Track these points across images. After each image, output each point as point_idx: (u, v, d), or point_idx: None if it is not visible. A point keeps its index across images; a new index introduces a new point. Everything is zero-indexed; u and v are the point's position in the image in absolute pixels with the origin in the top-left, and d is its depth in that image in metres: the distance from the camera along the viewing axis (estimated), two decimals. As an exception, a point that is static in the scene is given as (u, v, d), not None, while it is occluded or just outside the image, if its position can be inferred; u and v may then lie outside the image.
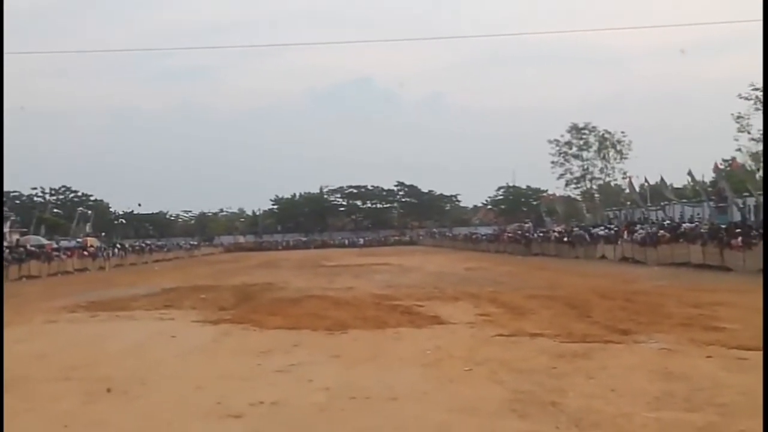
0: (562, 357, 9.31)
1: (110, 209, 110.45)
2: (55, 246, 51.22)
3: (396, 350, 10.46)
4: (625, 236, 37.58)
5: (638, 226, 39.34)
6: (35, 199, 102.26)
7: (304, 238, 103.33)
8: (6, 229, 62.69)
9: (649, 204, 48.34)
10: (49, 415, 7.02)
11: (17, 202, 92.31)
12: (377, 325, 13.18)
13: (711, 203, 39.00)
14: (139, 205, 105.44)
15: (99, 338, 13.17)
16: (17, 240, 53.21)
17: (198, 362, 10.21)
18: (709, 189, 44.01)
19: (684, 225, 34.55)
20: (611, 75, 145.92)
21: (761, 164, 42.03)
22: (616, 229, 42.36)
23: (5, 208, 70.73)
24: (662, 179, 47.10)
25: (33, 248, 44.97)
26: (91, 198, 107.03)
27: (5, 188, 79.77)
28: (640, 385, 7.46)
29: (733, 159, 46.06)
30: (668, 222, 38.77)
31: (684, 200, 47.49)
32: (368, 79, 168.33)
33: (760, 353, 8.80)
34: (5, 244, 44.75)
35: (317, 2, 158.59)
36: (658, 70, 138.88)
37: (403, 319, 13.85)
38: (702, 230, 31.13)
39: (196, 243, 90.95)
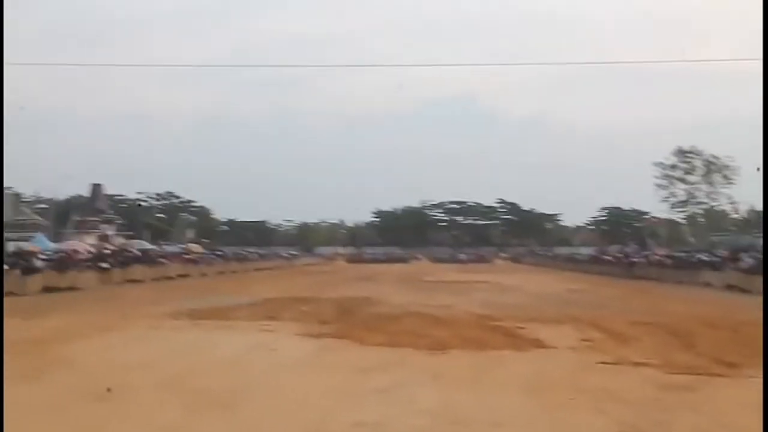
0: (667, 389, 9.24)
1: (212, 216, 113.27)
2: (159, 251, 52.90)
3: (497, 374, 10.53)
4: (731, 263, 36.48)
5: (744, 254, 38.11)
6: (141, 203, 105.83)
7: (403, 252, 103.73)
8: (111, 233, 65.47)
9: (755, 231, 46.80)
10: (149, 425, 7.33)
11: (123, 205, 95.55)
12: (478, 346, 13.24)
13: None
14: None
15: (201, 348, 13.57)
16: (123, 244, 55.29)
17: (299, 377, 10.40)
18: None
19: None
20: (722, 96, 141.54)
21: None
22: (721, 255, 41.14)
23: (111, 212, 73.81)
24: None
25: (138, 252, 46.62)
26: (195, 204, 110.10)
27: (112, 192, 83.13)
28: (748, 423, 7.36)
29: None
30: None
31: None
32: (472, 96, 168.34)
33: None
34: (111, 247, 46.62)
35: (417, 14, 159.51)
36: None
37: (504, 341, 13.86)
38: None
39: (296, 253, 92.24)
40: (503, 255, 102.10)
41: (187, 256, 53.52)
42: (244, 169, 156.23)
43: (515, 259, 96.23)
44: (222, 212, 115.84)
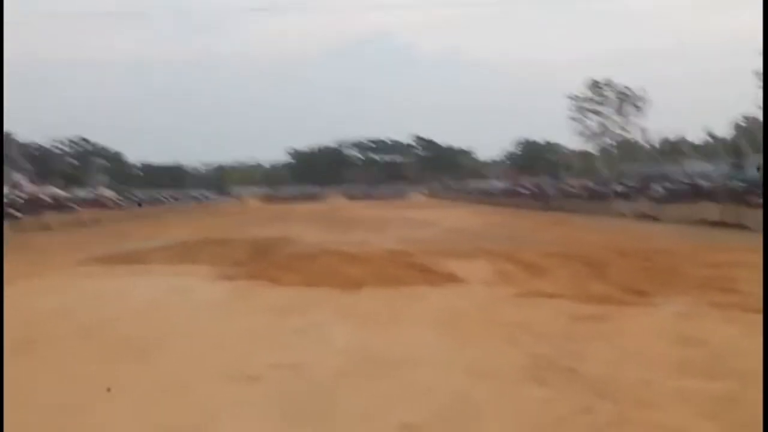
0: (580, 319, 9.28)
1: (126, 161, 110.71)
2: (72, 197, 51.44)
3: (413, 310, 10.46)
4: (643, 193, 37.40)
5: (656, 183, 39.10)
6: (53, 150, 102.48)
7: (319, 191, 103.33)
8: (23, 181, 63.14)
9: (667, 161, 48.03)
10: (67, 375, 7.06)
11: (35, 153, 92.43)
12: (393, 283, 13.14)
13: (729, 160, 38.67)
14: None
15: (116, 294, 13.22)
16: (35, 191, 53.49)
17: (216, 320, 10.23)
18: (728, 146, 43.61)
19: (701, 182, 34.29)
20: (633, 28, 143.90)
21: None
22: (633, 185, 42.12)
23: (22, 159, 71.20)
24: (680, 136, 46.74)
25: (50, 200, 45.18)
26: (108, 149, 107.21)
27: (22, 139, 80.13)
28: (659, 350, 7.43)
29: (753, 117, 45.57)
30: (686, 179, 38.50)
31: (702, 157, 47.11)
32: (387, 34, 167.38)
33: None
34: (23, 195, 44.99)
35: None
36: (679, 23, 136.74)
37: (418, 277, 13.80)
38: (719, 188, 30.89)
39: (211, 195, 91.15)
40: (419, 191, 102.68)
41: (100, 202, 52.14)
42: (158, 113, 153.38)
43: (432, 195, 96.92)
44: (136, 156, 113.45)
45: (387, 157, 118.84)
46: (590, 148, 73.06)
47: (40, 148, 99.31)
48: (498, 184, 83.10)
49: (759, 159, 35.28)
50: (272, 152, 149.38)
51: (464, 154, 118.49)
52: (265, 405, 6.05)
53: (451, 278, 13.57)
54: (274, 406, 5.99)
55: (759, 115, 45.86)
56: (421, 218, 38.79)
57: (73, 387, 6.68)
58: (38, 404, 6.11)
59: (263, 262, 17.62)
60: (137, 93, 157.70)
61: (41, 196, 47.22)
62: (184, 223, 40.30)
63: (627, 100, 70.62)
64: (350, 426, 5.40)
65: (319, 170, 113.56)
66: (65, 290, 13.81)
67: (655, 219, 32.94)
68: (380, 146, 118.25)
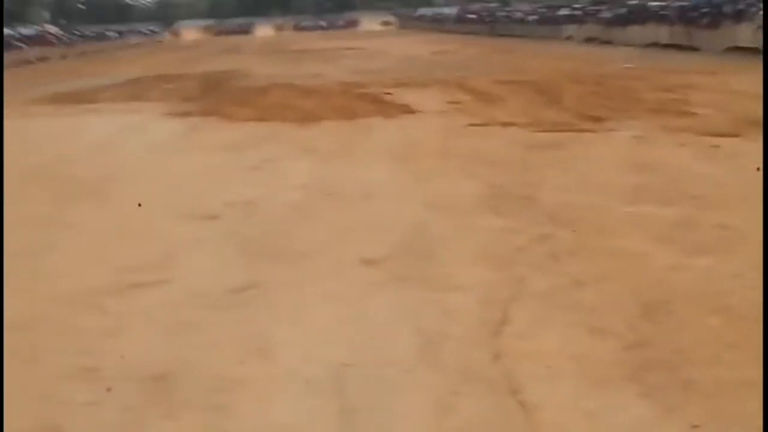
0: (535, 147, 9.25)
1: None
2: (15, 35, 49.21)
3: (367, 143, 10.35)
4: (592, 17, 36.93)
5: (605, 6, 38.53)
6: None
7: (267, 22, 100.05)
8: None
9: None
10: (20, 219, 6.83)
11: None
12: (347, 115, 12.96)
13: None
14: None
15: (66, 135, 12.90)
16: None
17: (168, 159, 10.02)
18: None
19: (651, 4, 33.84)
20: None
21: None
22: (582, 8, 41.50)
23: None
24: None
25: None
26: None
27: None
28: (614, 176, 7.45)
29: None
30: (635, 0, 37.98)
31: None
32: None
33: (731, 140, 8.89)
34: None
35: None
36: None
37: (372, 109, 13.60)
38: (669, 9, 30.53)
39: (157, 29, 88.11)
40: (369, 19, 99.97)
41: (46, 39, 49.99)
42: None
43: (384, 23, 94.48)
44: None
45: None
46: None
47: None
48: (448, 12, 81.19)
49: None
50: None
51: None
52: (223, 243, 5.98)
53: (405, 109, 13.40)
54: (231, 244, 5.92)
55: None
56: (373, 48, 37.97)
57: (26, 229, 6.52)
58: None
59: (215, 97, 17.23)
60: None
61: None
62: (133, 60, 38.95)
63: None
64: (310, 262, 5.36)
65: (265, 0, 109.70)
66: (15, 130, 13.33)
67: (604, 42, 32.71)
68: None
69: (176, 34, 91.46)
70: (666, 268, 4.78)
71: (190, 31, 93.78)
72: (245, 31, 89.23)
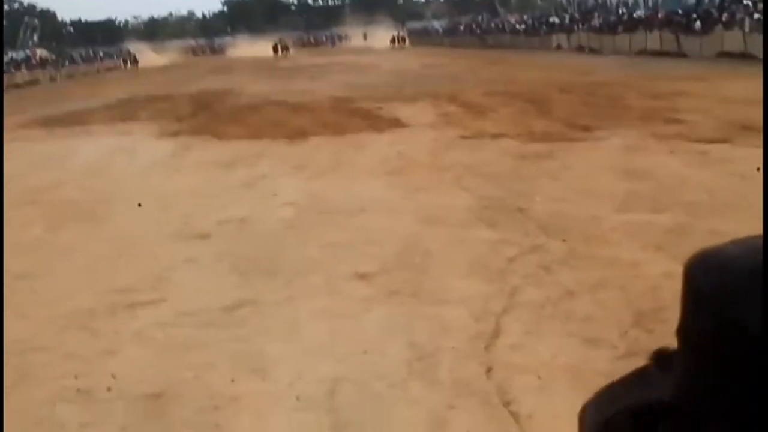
0: (526, 158, 9.28)
1: (57, 18, 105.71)
2: (5, 59, 49.27)
3: (359, 158, 10.36)
4: (581, 25, 37.06)
5: (594, 14, 38.71)
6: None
7: (256, 40, 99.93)
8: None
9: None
10: (18, 242, 6.85)
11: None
12: (338, 131, 12.98)
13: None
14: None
15: (60, 157, 12.88)
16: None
17: (161, 179, 10.05)
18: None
19: (640, 11, 34.04)
20: None
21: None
22: (571, 17, 41.67)
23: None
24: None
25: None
26: (38, 7, 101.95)
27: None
28: (606, 185, 7.46)
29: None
30: (624, 9, 38.20)
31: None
32: None
33: (721, 146, 8.91)
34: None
35: None
36: None
37: (363, 124, 13.63)
38: (659, 16, 30.68)
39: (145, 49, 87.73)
40: (356, 34, 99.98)
41: (34, 62, 50.05)
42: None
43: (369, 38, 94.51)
44: (67, 13, 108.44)
45: (320, 1, 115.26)
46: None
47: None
48: (437, 25, 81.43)
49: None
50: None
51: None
52: (216, 261, 5.98)
53: (396, 123, 13.42)
54: (225, 262, 5.92)
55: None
56: (362, 63, 37.98)
57: (22, 254, 6.50)
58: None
59: (206, 116, 17.24)
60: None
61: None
62: (122, 81, 38.91)
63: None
64: (303, 278, 5.35)
65: (253, 18, 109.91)
66: (9, 153, 13.33)
67: (594, 51, 32.80)
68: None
69: (165, 53, 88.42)
70: (658, 275, 4.78)
71: (179, 50, 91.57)
72: (221, 51, 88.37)
